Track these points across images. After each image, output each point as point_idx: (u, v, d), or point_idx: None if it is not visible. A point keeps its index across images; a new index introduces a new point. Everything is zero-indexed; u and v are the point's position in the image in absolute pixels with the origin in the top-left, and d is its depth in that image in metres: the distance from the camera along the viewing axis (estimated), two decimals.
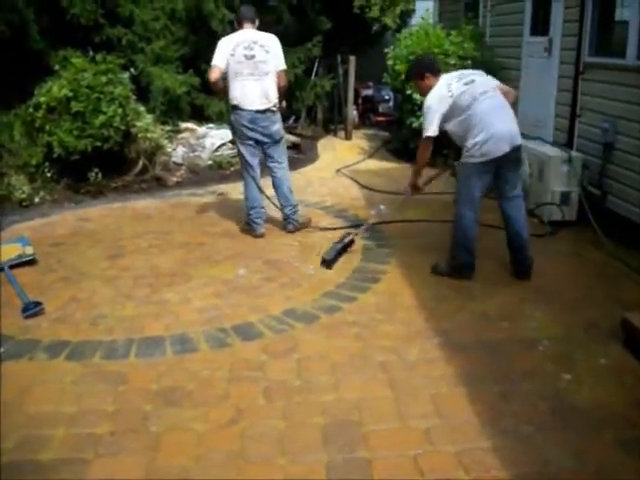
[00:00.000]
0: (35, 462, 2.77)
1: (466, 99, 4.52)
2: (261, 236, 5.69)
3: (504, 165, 4.55)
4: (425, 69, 4.82)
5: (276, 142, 5.64)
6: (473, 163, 4.54)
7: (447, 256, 4.81)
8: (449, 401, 3.21)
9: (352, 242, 5.15)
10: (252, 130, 5.50)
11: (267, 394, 3.27)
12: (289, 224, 5.77)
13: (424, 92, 4.80)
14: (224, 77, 5.47)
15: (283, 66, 5.57)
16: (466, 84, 4.59)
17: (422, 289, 4.55)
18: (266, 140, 5.58)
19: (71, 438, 2.94)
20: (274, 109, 5.52)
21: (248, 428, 2.99)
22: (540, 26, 7.26)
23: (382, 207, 5.99)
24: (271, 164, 5.70)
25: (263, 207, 5.75)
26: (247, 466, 2.74)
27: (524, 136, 7.02)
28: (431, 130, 4.63)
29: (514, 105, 4.90)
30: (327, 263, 4.92)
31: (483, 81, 4.69)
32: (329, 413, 3.10)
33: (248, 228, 5.78)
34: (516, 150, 4.56)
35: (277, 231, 5.83)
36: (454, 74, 4.83)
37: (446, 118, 4.60)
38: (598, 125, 5.82)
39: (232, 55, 5.37)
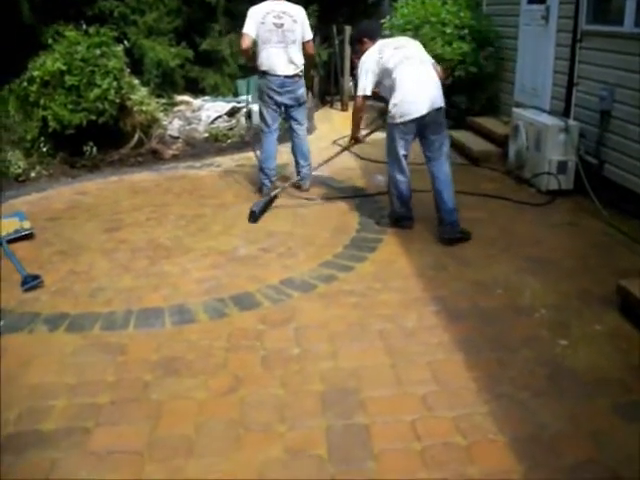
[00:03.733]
0: (37, 432, 2.80)
1: (393, 62, 4.81)
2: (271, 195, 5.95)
3: (426, 128, 4.81)
4: (364, 34, 5.15)
5: (300, 105, 6.01)
6: (394, 124, 4.83)
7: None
8: (446, 368, 3.23)
9: (275, 197, 5.61)
10: (281, 94, 5.84)
11: (266, 363, 3.30)
12: (306, 181, 6.11)
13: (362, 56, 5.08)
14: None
15: (310, 36, 5.91)
16: (396, 48, 4.90)
17: (419, 258, 4.57)
18: (293, 103, 5.93)
19: (72, 408, 2.96)
20: (300, 74, 5.90)
21: (247, 396, 3.02)
22: None
23: (380, 177, 6.00)
24: (295, 126, 6.04)
25: (274, 169, 6.07)
26: (247, 433, 2.77)
27: (521, 105, 7.07)
28: (361, 89, 4.95)
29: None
30: (254, 216, 5.22)
31: (413, 47, 4.98)
32: (327, 380, 3.13)
33: (259, 190, 6.06)
34: (435, 113, 4.77)
35: (277, 202, 5.82)
36: (389, 40, 5.19)
37: (377, 80, 4.90)
38: (596, 93, 5.79)
39: (262, 23, 5.67)
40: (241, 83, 9.55)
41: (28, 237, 5.03)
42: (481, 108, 8.09)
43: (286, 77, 5.77)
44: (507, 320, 3.71)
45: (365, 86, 4.92)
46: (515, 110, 6.70)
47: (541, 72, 6.95)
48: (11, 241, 4.87)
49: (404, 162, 4.94)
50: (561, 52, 6.54)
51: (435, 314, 3.77)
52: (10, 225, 5.05)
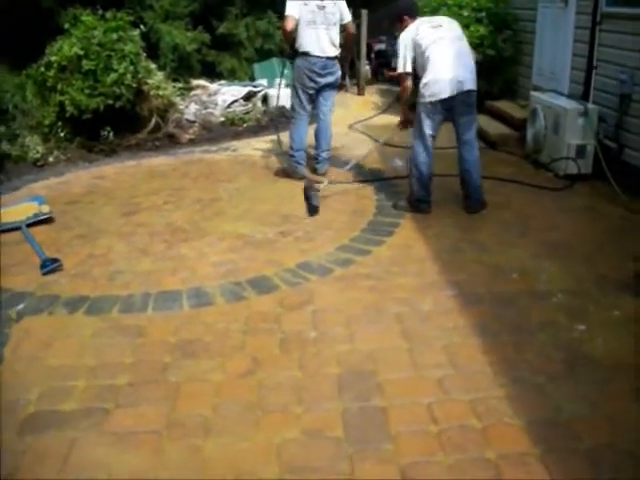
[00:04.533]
0: (58, 412, 2.84)
1: (427, 41, 4.84)
2: (303, 177, 6.03)
3: (455, 109, 4.87)
4: (404, 12, 5.22)
5: (336, 87, 6.18)
6: (423, 103, 4.89)
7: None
8: (462, 351, 3.24)
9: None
10: (323, 76, 5.90)
11: (283, 345, 3.32)
12: (324, 165, 6.15)
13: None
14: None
15: (349, 17, 6.03)
16: (433, 27, 4.94)
17: (436, 242, 4.57)
18: (332, 82, 6.02)
19: (92, 389, 3.00)
20: (338, 56, 6.00)
21: (265, 378, 3.05)
22: None
23: (398, 162, 5.98)
24: (325, 108, 6.12)
25: (305, 151, 6.15)
26: (264, 415, 2.80)
27: (539, 88, 7.00)
28: (401, 66, 4.99)
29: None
30: (316, 210, 5.13)
31: (449, 28, 4.99)
32: (344, 363, 3.15)
33: (289, 170, 6.13)
34: (463, 95, 4.81)
35: (293, 186, 5.83)
36: (427, 18, 5.23)
37: (414, 55, 4.93)
38: (615, 77, 5.73)
39: (305, 5, 5.74)
40: (257, 67, 9.54)
41: (47, 221, 5.08)
42: (499, 92, 8.02)
43: (328, 58, 5.83)
44: (523, 304, 3.70)
45: (405, 62, 4.96)
46: (533, 94, 6.65)
47: (560, 55, 6.88)
48: (30, 225, 4.92)
49: (429, 141, 4.95)
50: (580, 35, 6.47)
51: (451, 298, 3.77)
52: (29, 209, 5.10)
